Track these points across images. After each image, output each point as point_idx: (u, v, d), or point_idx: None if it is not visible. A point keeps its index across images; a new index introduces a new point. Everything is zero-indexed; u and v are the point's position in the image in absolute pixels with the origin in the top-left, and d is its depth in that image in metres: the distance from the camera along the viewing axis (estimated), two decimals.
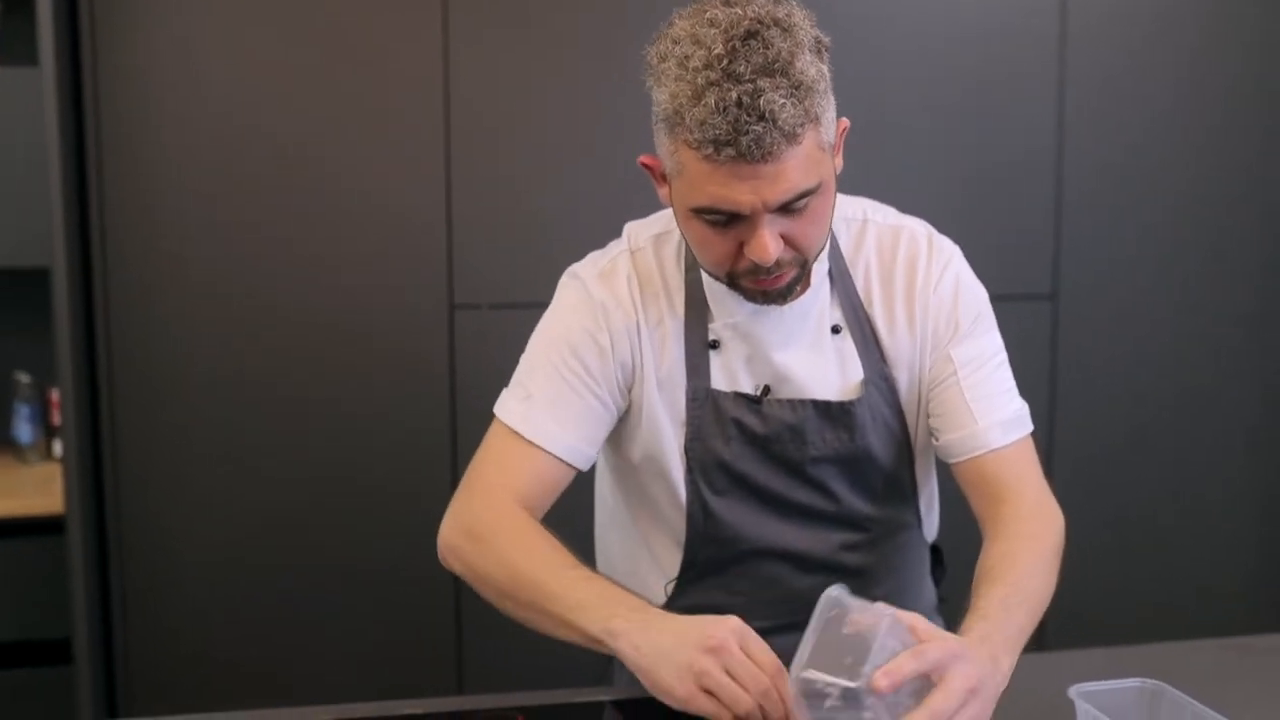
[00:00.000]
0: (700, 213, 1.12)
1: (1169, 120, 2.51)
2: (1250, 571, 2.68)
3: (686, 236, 1.20)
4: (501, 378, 2.32)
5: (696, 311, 1.28)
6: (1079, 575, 2.55)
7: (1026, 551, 1.17)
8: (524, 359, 1.32)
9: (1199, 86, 2.52)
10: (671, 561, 1.36)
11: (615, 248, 1.33)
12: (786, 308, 1.23)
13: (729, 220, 1.11)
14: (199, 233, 2.22)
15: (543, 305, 2.29)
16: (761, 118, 1.03)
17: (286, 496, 2.30)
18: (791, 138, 1.05)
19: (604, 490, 1.47)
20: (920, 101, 2.40)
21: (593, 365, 1.26)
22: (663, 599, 1.37)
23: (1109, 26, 2.46)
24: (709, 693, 1.01)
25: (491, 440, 1.29)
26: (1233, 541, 2.67)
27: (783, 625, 1.32)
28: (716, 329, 1.27)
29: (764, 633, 1.30)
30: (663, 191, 1.21)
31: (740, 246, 1.13)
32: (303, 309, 2.26)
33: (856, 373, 1.28)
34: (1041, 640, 2.60)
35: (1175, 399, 2.60)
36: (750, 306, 1.24)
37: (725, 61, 1.04)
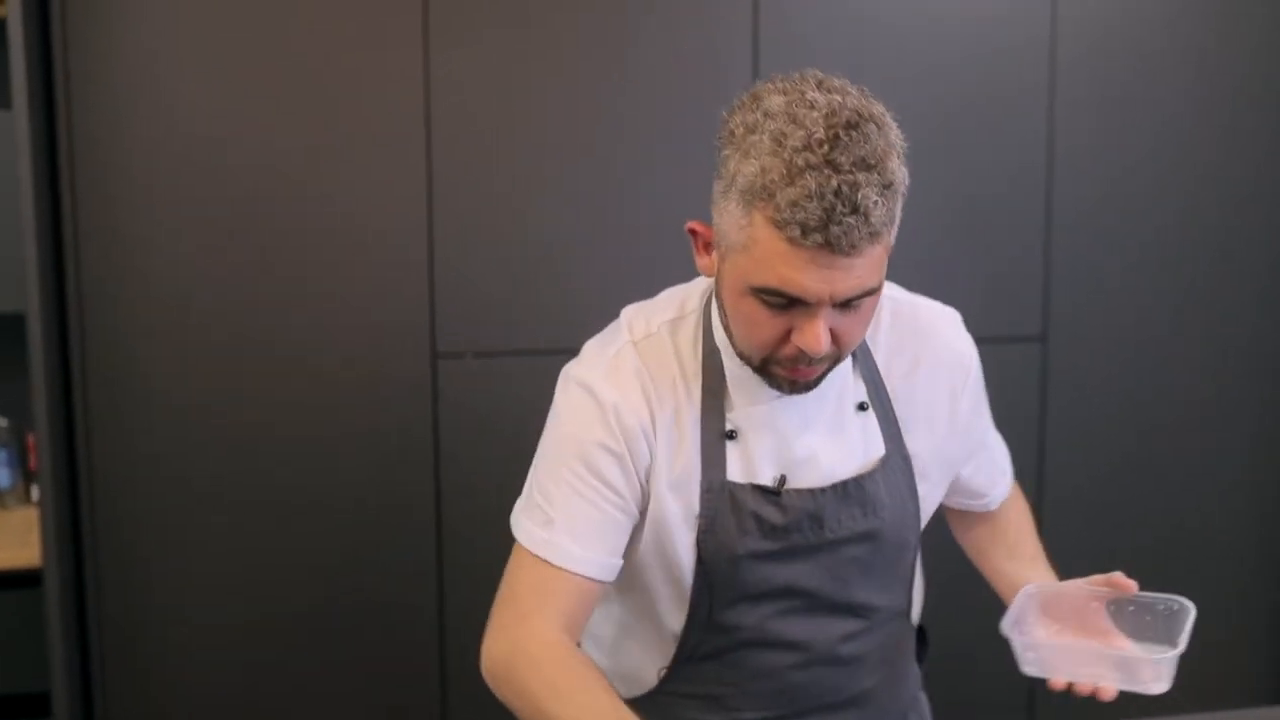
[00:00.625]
0: (760, 292, 1.09)
1: (1158, 152, 2.50)
2: (1243, 618, 2.66)
3: (730, 312, 1.16)
4: (487, 431, 2.35)
5: (714, 400, 1.23)
6: None
7: (1023, 507, 1.49)
8: (535, 472, 1.27)
9: (1190, 120, 2.51)
10: (665, 649, 1.32)
11: (617, 338, 1.27)
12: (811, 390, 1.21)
13: (787, 305, 1.09)
14: (177, 274, 2.19)
15: (530, 354, 2.32)
16: (854, 210, 1.02)
17: (267, 543, 2.26)
18: (875, 236, 1.05)
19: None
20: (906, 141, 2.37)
21: (612, 478, 1.21)
22: (654, 683, 1.34)
23: (1097, 62, 2.45)
24: None
25: (519, 567, 1.23)
26: (1224, 584, 2.65)
27: (776, 717, 1.31)
28: (734, 418, 1.23)
29: None
30: (704, 261, 1.18)
31: (788, 333, 1.11)
32: (283, 355, 2.23)
33: (878, 449, 1.26)
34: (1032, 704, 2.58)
35: (1165, 440, 2.59)
36: (773, 391, 1.20)
37: (826, 148, 1.02)
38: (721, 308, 1.19)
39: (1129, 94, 2.48)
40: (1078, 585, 1.27)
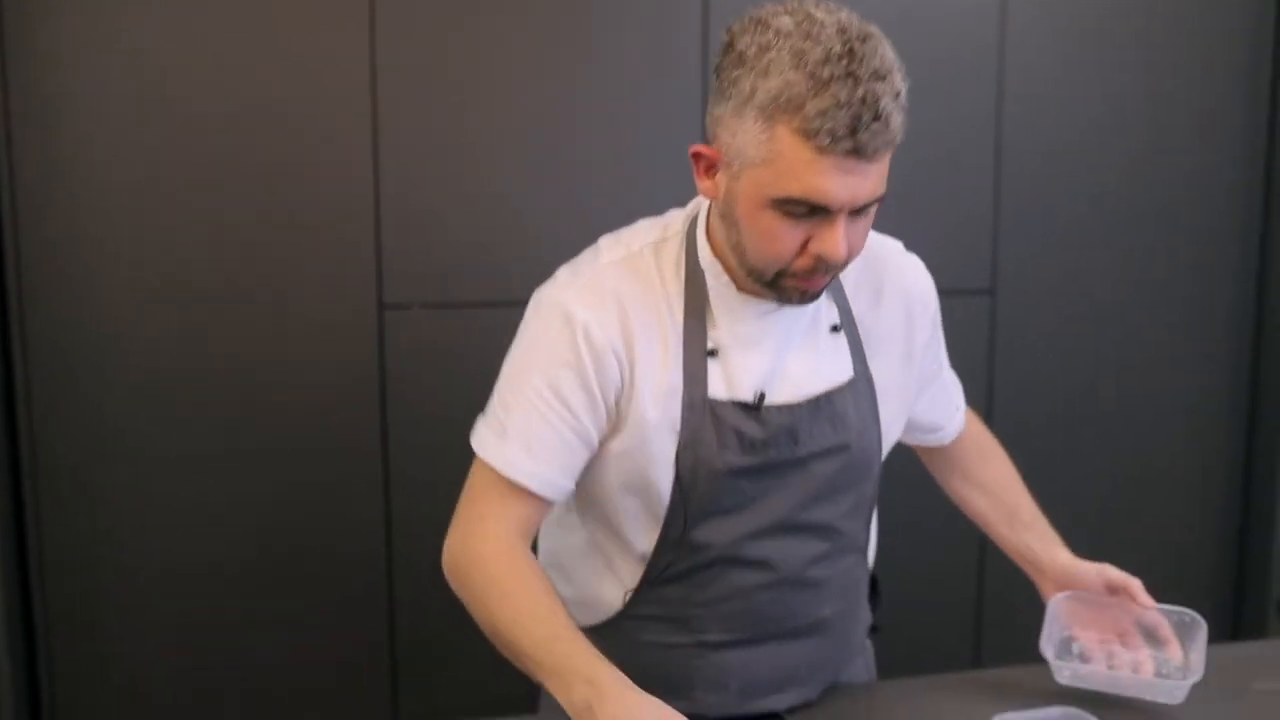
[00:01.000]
0: (782, 203, 1.13)
1: (1106, 109, 2.51)
2: (1182, 565, 2.72)
3: (746, 228, 1.18)
4: (434, 384, 2.34)
5: (696, 319, 1.26)
6: (1012, 570, 2.58)
7: (1010, 467, 1.55)
8: (499, 383, 1.30)
9: (1138, 77, 2.52)
10: (632, 571, 1.33)
11: (595, 259, 1.30)
12: (791, 309, 1.27)
13: (809, 213, 1.13)
14: (121, 225, 2.14)
15: (479, 306, 2.29)
16: (877, 117, 1.08)
17: (213, 496, 2.24)
18: (891, 144, 1.11)
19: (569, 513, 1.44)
20: None
21: (573, 400, 1.24)
22: (618, 608, 1.35)
23: (1046, 19, 2.45)
24: None
25: (475, 471, 1.30)
26: (1165, 530, 2.70)
27: (740, 640, 1.33)
28: (716, 336, 1.26)
29: (720, 646, 1.33)
30: (707, 184, 1.21)
31: (804, 244, 1.16)
32: (226, 306, 2.19)
33: (847, 370, 1.32)
34: (979, 650, 2.63)
35: (1111, 392, 2.62)
36: (758, 310, 1.26)
37: (845, 61, 1.08)
38: (731, 227, 1.20)
39: (1078, 50, 2.48)
40: (1099, 591, 1.42)
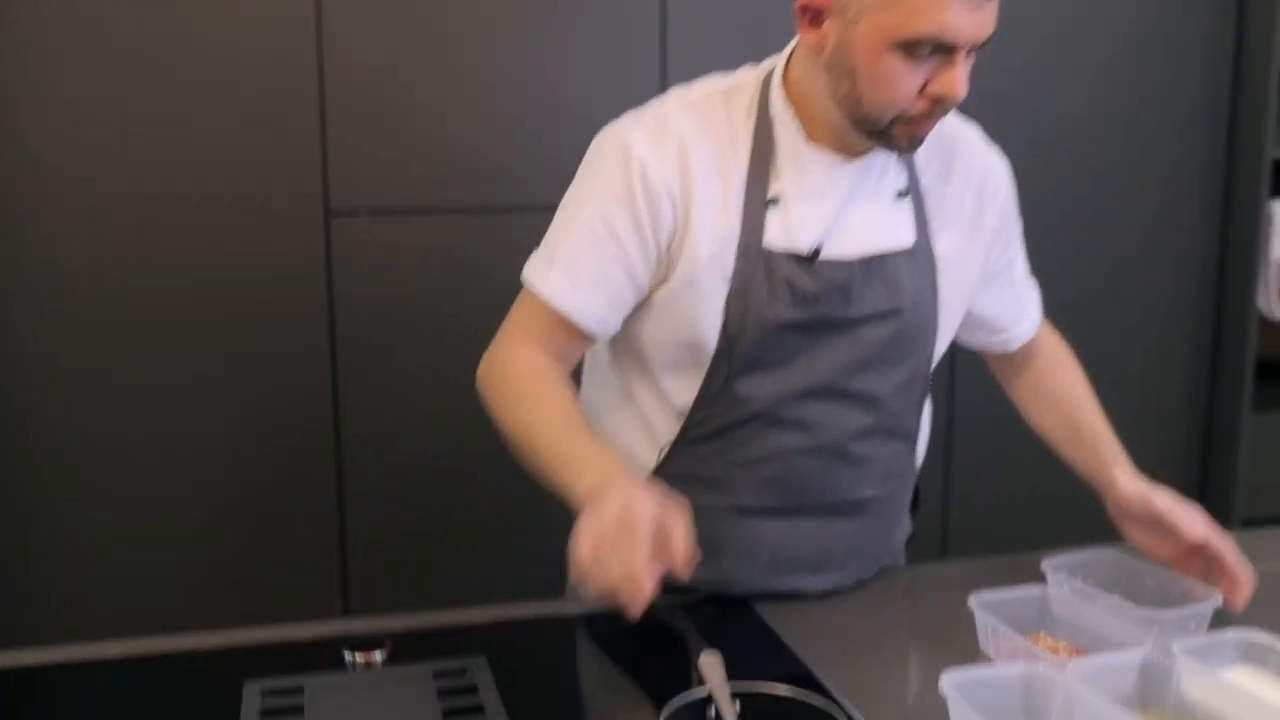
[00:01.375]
0: (908, 45, 1.14)
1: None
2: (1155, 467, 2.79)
3: (865, 74, 1.18)
4: (382, 293, 2.32)
5: (760, 167, 1.26)
6: (980, 474, 2.64)
7: (1081, 382, 1.52)
8: (555, 219, 1.32)
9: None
10: (669, 426, 1.34)
11: (663, 102, 1.30)
12: (858, 165, 1.27)
13: (931, 53, 1.15)
14: (63, 140, 2.09)
15: (429, 212, 2.27)
16: None
17: (157, 411, 2.22)
18: None
19: (598, 349, 1.43)
20: None
21: (624, 235, 1.25)
22: (650, 466, 1.36)
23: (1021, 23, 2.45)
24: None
25: (521, 300, 1.32)
26: (1135, 440, 2.76)
27: (775, 509, 1.33)
28: (779, 187, 1.26)
29: (754, 513, 1.33)
30: (812, 36, 1.20)
31: (922, 87, 1.17)
32: (166, 214, 2.15)
33: (909, 237, 1.31)
34: (945, 543, 2.69)
35: (1080, 297, 2.61)
36: (825, 162, 1.26)
37: None
38: (841, 78, 1.19)
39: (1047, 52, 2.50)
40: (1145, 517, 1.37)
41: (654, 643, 1.21)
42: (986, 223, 1.38)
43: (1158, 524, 1.35)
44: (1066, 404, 1.50)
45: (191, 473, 2.26)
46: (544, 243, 1.31)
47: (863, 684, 1.13)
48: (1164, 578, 1.31)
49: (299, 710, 1.08)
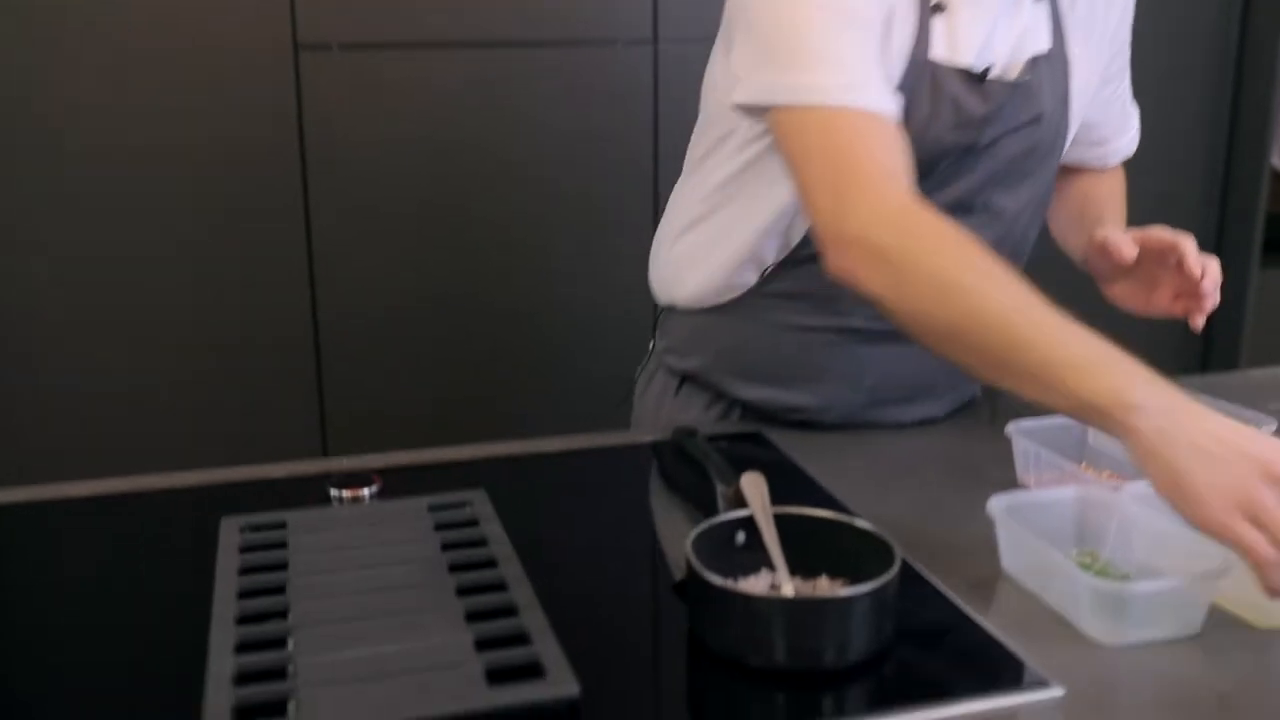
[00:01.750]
0: None
1: None
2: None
3: None
4: (354, 131, 2.20)
5: None
6: None
7: (1119, 191, 1.42)
8: (765, 37, 1.08)
9: None
10: (781, 240, 1.21)
11: None
12: None
13: None
14: None
15: (402, 46, 2.13)
16: None
17: (128, 251, 2.10)
18: None
19: (700, 155, 1.29)
20: None
21: (858, 5, 1.06)
22: (751, 283, 1.24)
23: None
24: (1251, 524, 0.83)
25: (800, 132, 1.04)
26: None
27: (887, 332, 1.11)
28: None
29: (864, 337, 1.22)
30: None
31: None
32: (129, 48, 2.01)
33: (1044, 41, 1.19)
34: None
35: None
36: None
37: None
38: None
39: None
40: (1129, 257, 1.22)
41: (677, 473, 1.14)
42: (1110, 21, 1.27)
43: (1136, 265, 1.22)
44: (1083, 200, 1.39)
45: (162, 327, 2.15)
46: (768, 61, 1.07)
47: (897, 515, 1.05)
48: None
49: (281, 545, 0.98)
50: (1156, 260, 1.22)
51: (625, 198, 2.29)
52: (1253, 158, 2.59)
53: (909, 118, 1.12)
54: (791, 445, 1.23)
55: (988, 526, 0.98)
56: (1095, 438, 1.18)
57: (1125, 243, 1.21)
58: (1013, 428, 1.15)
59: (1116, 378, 0.88)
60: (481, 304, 2.27)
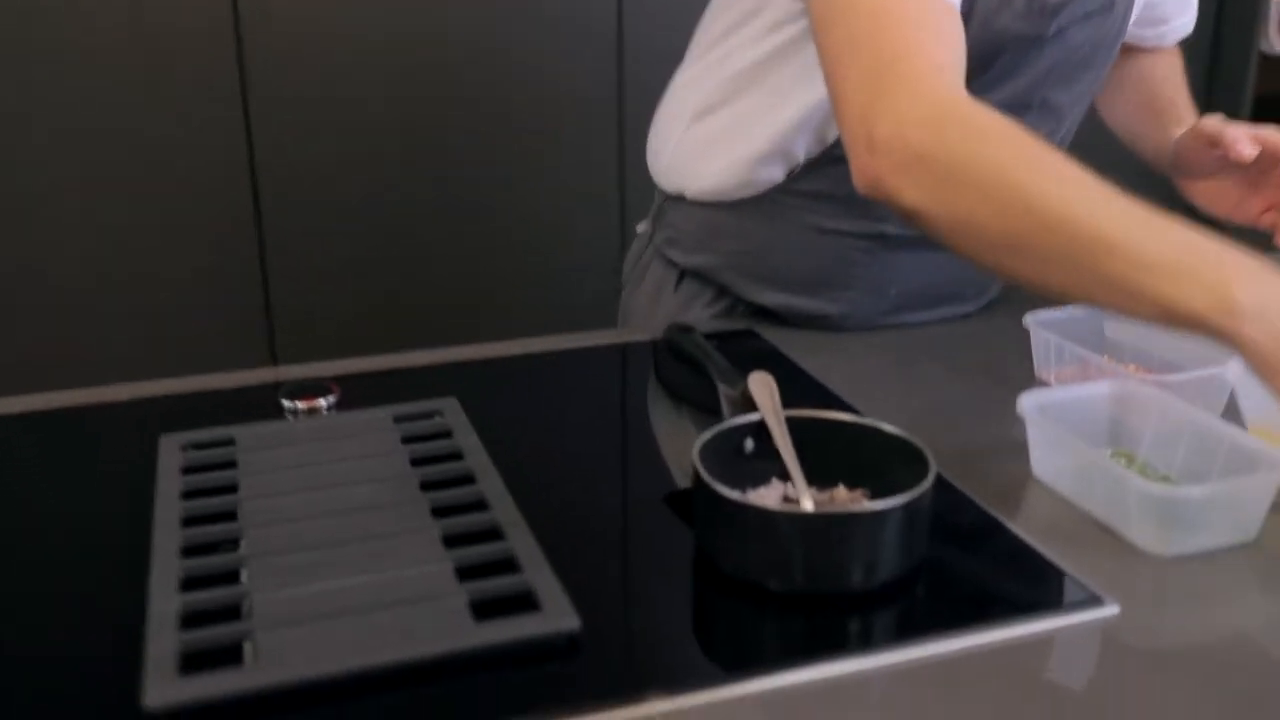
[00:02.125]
0: None
1: None
2: None
3: None
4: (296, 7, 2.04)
5: None
6: None
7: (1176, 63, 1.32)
8: None
9: None
10: (815, 135, 1.10)
11: None
12: None
13: None
14: None
15: None
16: None
17: (61, 146, 1.96)
18: None
19: (726, 47, 1.15)
20: None
21: None
22: (778, 179, 1.13)
23: None
24: None
25: (863, 16, 0.89)
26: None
27: (914, 239, 1.04)
28: None
29: (897, 244, 1.13)
30: None
31: None
32: None
33: None
34: None
35: None
36: None
37: None
38: None
39: None
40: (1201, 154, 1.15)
41: (673, 374, 1.05)
42: None
43: (1223, 165, 1.12)
44: (1146, 86, 1.28)
45: (96, 222, 2.02)
46: None
47: (907, 415, 0.96)
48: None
49: (229, 464, 0.87)
50: (1270, 163, 1.11)
51: (589, 89, 2.16)
52: (1240, 43, 2.50)
53: (974, 4, 0.99)
54: (789, 343, 1.13)
55: (1010, 427, 0.89)
56: (1113, 329, 1.09)
57: (1243, 139, 1.09)
58: (1030, 319, 1.06)
59: (1212, 277, 0.74)
60: (444, 201, 2.14)
